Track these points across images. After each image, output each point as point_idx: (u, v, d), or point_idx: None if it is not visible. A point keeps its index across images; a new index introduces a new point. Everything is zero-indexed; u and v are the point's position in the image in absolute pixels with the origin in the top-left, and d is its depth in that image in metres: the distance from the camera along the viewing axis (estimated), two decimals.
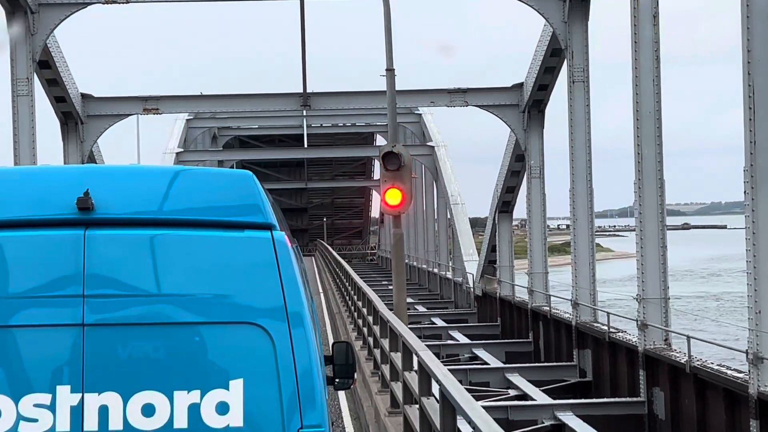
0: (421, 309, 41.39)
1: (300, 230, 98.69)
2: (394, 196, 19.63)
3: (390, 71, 20.91)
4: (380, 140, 69.06)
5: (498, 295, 35.41)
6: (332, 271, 51.12)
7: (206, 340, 6.05)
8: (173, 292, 6.06)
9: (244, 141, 76.79)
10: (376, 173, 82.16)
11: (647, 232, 20.80)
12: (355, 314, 27.79)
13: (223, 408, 5.98)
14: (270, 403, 6.01)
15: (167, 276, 6.09)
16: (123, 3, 26.08)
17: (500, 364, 26.91)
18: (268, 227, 6.27)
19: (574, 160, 25.96)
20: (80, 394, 5.90)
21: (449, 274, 46.34)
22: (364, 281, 28.31)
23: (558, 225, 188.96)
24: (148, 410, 5.93)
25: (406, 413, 12.90)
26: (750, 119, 15.53)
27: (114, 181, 6.27)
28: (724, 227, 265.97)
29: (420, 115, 51.03)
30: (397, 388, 14.52)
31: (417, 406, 11.80)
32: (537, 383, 23.67)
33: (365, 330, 23.32)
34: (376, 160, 72.77)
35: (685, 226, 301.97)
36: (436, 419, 9.97)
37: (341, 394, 20.86)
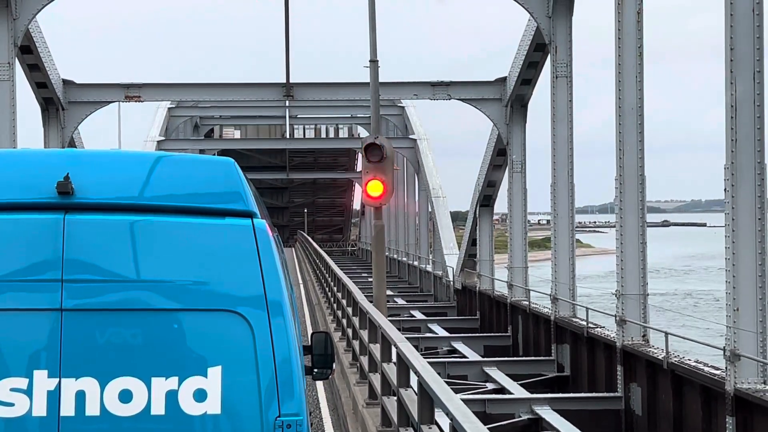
0: (400, 302, 41.41)
1: (281, 226, 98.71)
2: (375, 188, 19.63)
3: (374, 62, 20.89)
4: (362, 132, 69.04)
5: (477, 288, 35.45)
6: (312, 262, 51.09)
7: (185, 327, 6.03)
8: (153, 279, 6.04)
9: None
10: (359, 166, 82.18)
11: (627, 228, 20.84)
12: (335, 305, 27.78)
13: (200, 395, 5.96)
14: (248, 391, 5.99)
15: (147, 262, 6.06)
16: None
17: (478, 358, 26.95)
18: (249, 215, 6.26)
19: (555, 155, 26.00)
20: (57, 379, 5.87)
21: (429, 268, 46.36)
22: (344, 273, 28.31)
23: (539, 220, 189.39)
24: (126, 396, 5.91)
25: (384, 404, 12.91)
26: (732, 117, 15.59)
27: (95, 166, 6.24)
28: (704, 225, 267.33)
29: (403, 108, 51.00)
30: (376, 379, 14.53)
31: (395, 397, 11.81)
32: (515, 377, 23.72)
33: (344, 321, 23.32)
34: (359, 153, 72.78)
35: (665, 224, 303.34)
36: (414, 410, 9.98)
37: (319, 385, 20.85)
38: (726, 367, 15.95)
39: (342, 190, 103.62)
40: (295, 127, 72.86)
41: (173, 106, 50.51)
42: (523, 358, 27.43)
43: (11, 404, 5.85)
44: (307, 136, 79.58)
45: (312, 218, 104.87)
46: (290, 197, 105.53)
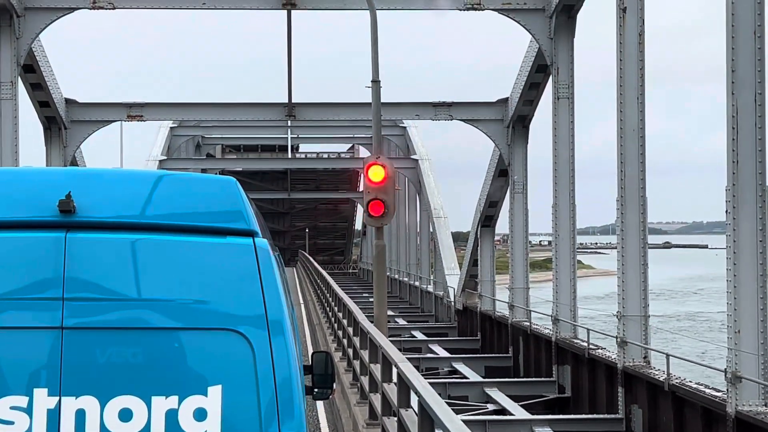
0: (401, 322, 41.37)
1: (282, 249, 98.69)
2: (377, 208, 19.64)
3: (375, 83, 20.92)
4: (363, 152, 69.12)
5: (479, 309, 35.41)
6: (313, 282, 51.05)
7: (185, 346, 6.01)
8: (153, 297, 6.03)
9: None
10: (361, 186, 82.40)
11: (628, 249, 20.83)
12: (335, 325, 27.74)
13: (200, 414, 5.94)
14: (248, 411, 5.97)
15: (148, 281, 6.05)
16: (109, 9, 26.02)
17: (479, 379, 26.90)
18: (251, 234, 6.25)
19: (557, 176, 26.02)
20: (57, 398, 5.85)
21: (430, 288, 46.33)
22: (345, 293, 28.27)
23: (540, 241, 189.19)
24: (126, 415, 5.89)
25: (385, 425, 12.88)
26: (733, 138, 15.61)
27: (97, 184, 6.23)
28: (705, 247, 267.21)
29: (404, 128, 51.10)
30: (376, 399, 14.50)
31: (395, 418, 11.78)
32: (516, 398, 23.67)
33: (345, 341, 23.28)
34: (360, 174, 72.84)
35: (667, 245, 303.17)
36: (415, 431, 9.94)
37: (320, 404, 20.79)
38: (727, 389, 15.91)
39: (343, 215, 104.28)
40: (297, 155, 73.80)
41: (175, 125, 50.63)
42: (524, 380, 27.38)
43: (11, 422, 5.83)
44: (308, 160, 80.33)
45: (313, 241, 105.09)
46: (291, 221, 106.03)
